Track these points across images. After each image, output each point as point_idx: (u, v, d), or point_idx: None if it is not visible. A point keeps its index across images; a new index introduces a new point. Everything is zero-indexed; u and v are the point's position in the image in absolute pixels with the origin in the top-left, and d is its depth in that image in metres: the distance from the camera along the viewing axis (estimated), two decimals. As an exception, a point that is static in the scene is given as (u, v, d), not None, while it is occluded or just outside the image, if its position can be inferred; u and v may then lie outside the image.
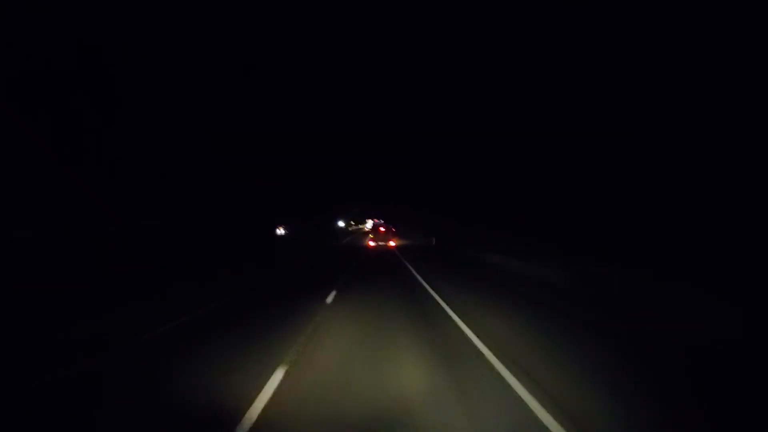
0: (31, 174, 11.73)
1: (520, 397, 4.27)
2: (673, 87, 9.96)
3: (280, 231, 43.55)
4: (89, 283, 11.45)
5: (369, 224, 74.32)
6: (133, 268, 13.68)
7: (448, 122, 28.24)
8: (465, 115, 24.83)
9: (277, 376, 4.86)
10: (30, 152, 11.73)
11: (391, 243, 32.25)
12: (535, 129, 16.22)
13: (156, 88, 15.69)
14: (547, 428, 3.65)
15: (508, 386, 4.56)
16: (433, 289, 11.39)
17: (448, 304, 9.21)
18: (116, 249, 13.85)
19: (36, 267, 10.96)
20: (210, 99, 19.38)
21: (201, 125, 19.01)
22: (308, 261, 21.65)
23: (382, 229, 36.17)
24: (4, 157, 11.09)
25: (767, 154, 7.61)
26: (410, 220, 47.15)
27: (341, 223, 77.39)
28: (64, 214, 12.53)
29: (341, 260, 21.43)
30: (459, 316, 7.97)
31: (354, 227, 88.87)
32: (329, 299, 9.87)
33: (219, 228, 21.27)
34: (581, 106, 13.29)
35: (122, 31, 13.91)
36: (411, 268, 16.81)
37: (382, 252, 27.50)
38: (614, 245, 11.20)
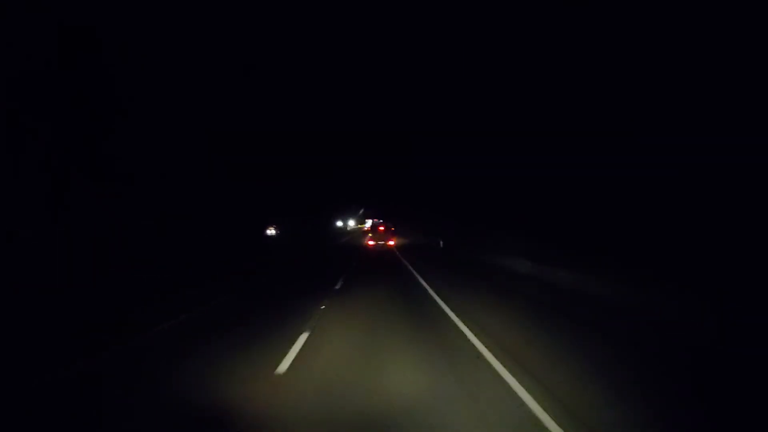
0: (31, 173, 11.73)
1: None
2: (673, 87, 9.96)
3: (271, 231, 39.84)
4: (89, 283, 11.45)
5: (368, 224, 74.11)
6: (133, 268, 13.68)
7: (448, 122, 28.24)
8: (465, 115, 24.84)
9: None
10: (30, 152, 11.72)
11: (390, 242, 32.43)
12: (535, 129, 16.22)
13: (156, 88, 15.68)
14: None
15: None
16: (445, 301, 9.43)
17: (451, 309, 9.16)
18: (116, 249, 13.85)
19: (36, 267, 10.96)
20: (210, 99, 19.38)
21: (201, 125, 19.00)
22: (297, 266, 18.98)
23: (381, 228, 36.35)
24: (4, 156, 11.09)
25: (767, 154, 7.62)
26: (410, 220, 47.16)
27: (339, 223, 76.57)
28: (64, 213, 12.52)
29: (336, 264, 19.08)
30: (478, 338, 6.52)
31: (353, 227, 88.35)
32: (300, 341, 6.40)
33: (204, 228, 19.85)
34: (581, 106, 13.29)
35: (122, 31, 13.91)
36: (419, 277, 16.48)
37: (383, 253, 26.58)
38: (614, 245, 11.20)
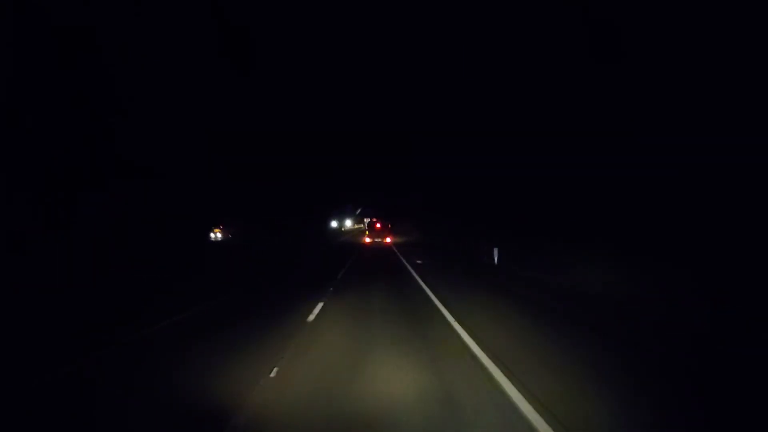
0: (31, 173, 11.73)
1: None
2: (672, 87, 9.97)
3: (217, 235, 32.70)
4: (89, 283, 11.46)
5: (366, 222, 73.89)
6: (133, 268, 13.69)
7: (448, 122, 28.24)
8: (465, 115, 24.84)
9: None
10: (30, 152, 11.71)
11: (387, 240, 35.38)
12: (535, 129, 16.22)
13: (156, 88, 15.67)
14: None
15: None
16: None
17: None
18: (116, 249, 13.85)
19: (37, 266, 10.96)
20: (210, 99, 19.37)
21: (201, 125, 19.00)
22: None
23: (378, 226, 39.16)
24: (5, 157, 11.08)
25: (767, 154, 7.63)
26: (411, 220, 47.15)
27: (334, 224, 75.34)
28: (64, 213, 12.52)
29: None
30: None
31: (350, 227, 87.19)
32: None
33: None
34: (581, 106, 13.29)
35: (122, 32, 13.90)
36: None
37: (384, 263, 18.85)
38: (616, 245, 11.19)
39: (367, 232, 38.86)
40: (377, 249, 28.24)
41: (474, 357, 5.61)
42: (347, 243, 38.92)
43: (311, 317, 7.98)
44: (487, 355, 5.56)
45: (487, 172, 22.53)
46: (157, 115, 15.84)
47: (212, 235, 31.94)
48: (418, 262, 18.73)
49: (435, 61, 27.86)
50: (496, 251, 17.93)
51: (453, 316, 7.89)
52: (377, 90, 44.95)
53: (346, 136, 45.62)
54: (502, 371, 4.97)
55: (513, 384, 4.58)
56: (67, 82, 12.47)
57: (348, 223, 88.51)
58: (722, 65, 8.81)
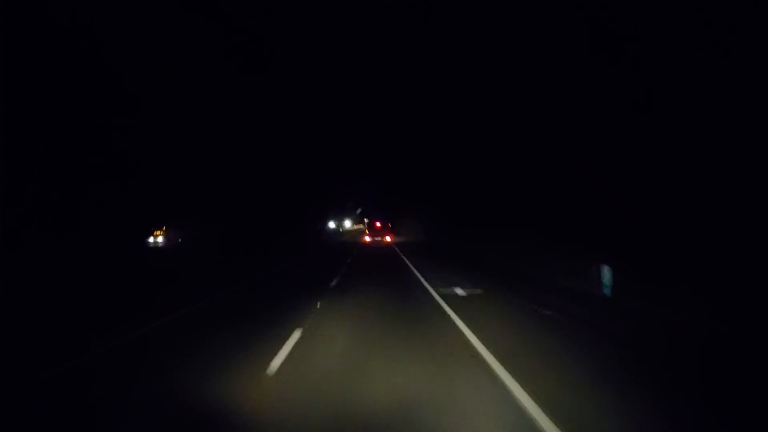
0: (31, 173, 11.74)
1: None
2: (672, 87, 9.97)
3: (157, 240, 26.16)
4: (89, 283, 11.46)
5: (366, 222, 73.87)
6: (133, 268, 13.70)
7: (447, 122, 28.23)
8: (465, 115, 24.83)
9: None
10: (30, 152, 11.71)
11: (387, 238, 36.71)
12: (535, 129, 16.22)
13: (156, 88, 15.67)
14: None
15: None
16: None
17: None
18: (116, 249, 13.85)
19: (36, 267, 10.96)
20: (211, 99, 19.37)
21: (201, 125, 19.00)
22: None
23: (378, 225, 40.43)
24: (8, 160, 11.08)
25: (767, 154, 7.63)
26: (412, 221, 47.17)
27: (332, 224, 74.61)
28: (64, 213, 12.52)
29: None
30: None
31: (350, 227, 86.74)
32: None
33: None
34: (581, 106, 13.29)
35: (122, 31, 13.90)
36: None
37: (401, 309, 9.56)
38: (618, 246, 11.17)
39: (367, 231, 39.86)
40: (380, 260, 21.30)
41: None
42: (348, 242, 38.79)
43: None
44: None
45: (487, 172, 22.54)
46: (158, 115, 15.86)
47: (151, 239, 24.65)
48: (459, 292, 10.64)
49: (435, 62, 27.88)
50: (606, 271, 10.36)
51: None
52: (377, 90, 44.94)
53: (346, 135, 45.65)
54: None
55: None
56: (67, 82, 12.46)
57: (347, 223, 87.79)
58: (722, 65, 8.82)
